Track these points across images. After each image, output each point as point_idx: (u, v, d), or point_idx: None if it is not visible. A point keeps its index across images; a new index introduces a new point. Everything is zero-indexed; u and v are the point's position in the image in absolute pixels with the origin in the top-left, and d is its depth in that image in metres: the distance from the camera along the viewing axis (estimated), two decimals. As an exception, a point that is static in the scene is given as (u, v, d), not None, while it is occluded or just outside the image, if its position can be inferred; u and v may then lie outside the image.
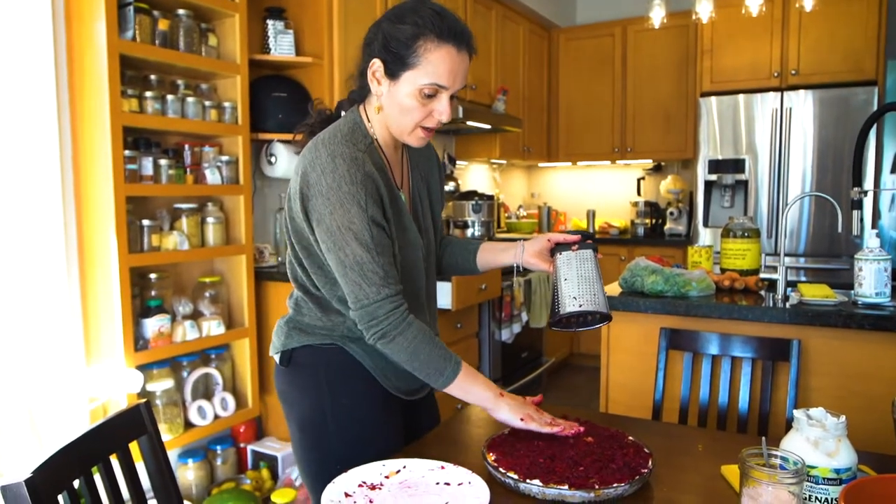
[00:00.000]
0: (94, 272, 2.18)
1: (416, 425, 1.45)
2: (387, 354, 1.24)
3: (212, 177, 2.46)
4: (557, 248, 1.35)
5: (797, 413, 1.02)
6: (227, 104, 2.51)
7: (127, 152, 2.16)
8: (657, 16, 3.51)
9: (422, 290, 1.36)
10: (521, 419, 1.22)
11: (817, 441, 0.99)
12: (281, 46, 2.73)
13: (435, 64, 1.17)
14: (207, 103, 2.44)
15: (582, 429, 1.24)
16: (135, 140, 2.29)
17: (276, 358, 1.37)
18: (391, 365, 1.31)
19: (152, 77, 2.35)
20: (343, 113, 1.33)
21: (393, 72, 1.20)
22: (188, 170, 2.44)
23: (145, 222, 2.27)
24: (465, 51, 1.21)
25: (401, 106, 1.21)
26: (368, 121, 1.29)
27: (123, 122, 2.12)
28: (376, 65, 1.22)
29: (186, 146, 2.46)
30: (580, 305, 1.23)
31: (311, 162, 1.20)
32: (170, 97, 2.32)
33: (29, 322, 2.06)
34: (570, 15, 5.23)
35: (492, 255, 1.48)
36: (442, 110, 1.21)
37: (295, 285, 1.35)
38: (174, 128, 2.33)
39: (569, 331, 1.26)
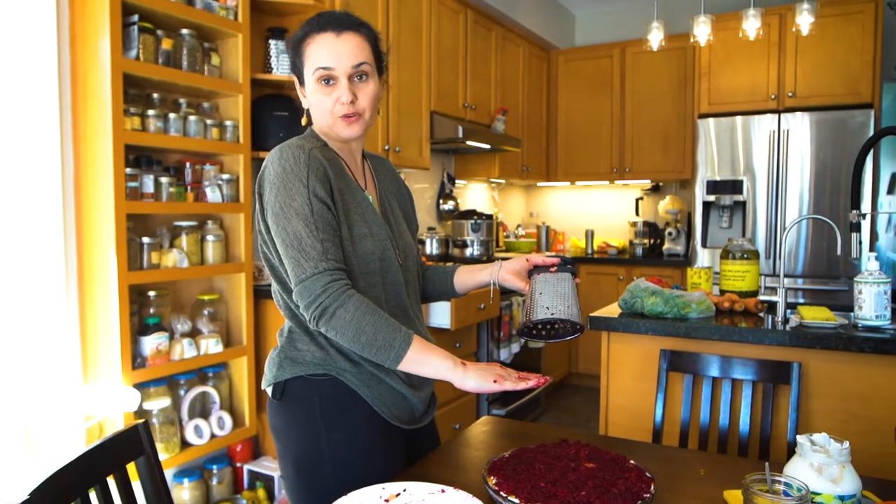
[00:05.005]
0: (94, 289, 2.17)
1: (419, 455, 1.41)
2: (332, 337, 1.18)
3: (212, 195, 2.47)
4: (536, 269, 1.37)
5: (800, 439, 1.02)
6: (228, 123, 2.52)
7: (128, 170, 2.16)
8: (655, 38, 3.55)
9: (400, 286, 1.33)
10: (494, 381, 1.14)
11: (821, 467, 0.98)
12: (283, 66, 2.75)
13: (316, 51, 1.26)
14: (209, 122, 2.45)
15: (548, 378, 1.18)
16: (136, 158, 2.30)
17: (269, 391, 1.32)
18: (390, 393, 1.30)
19: (155, 95, 2.36)
20: None
21: (301, 78, 1.32)
22: (189, 188, 2.44)
23: (145, 240, 2.27)
24: (349, 31, 1.27)
25: (314, 103, 1.30)
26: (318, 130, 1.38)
27: (125, 140, 2.13)
28: (295, 81, 1.34)
29: (187, 164, 2.46)
30: (552, 314, 1.23)
31: (263, 165, 1.27)
32: (172, 115, 2.33)
33: (27, 339, 2.05)
34: (569, 37, 5.28)
35: (469, 276, 1.50)
36: (340, 93, 1.26)
37: (285, 314, 1.32)
38: (176, 146, 2.34)
39: (537, 340, 1.26)
